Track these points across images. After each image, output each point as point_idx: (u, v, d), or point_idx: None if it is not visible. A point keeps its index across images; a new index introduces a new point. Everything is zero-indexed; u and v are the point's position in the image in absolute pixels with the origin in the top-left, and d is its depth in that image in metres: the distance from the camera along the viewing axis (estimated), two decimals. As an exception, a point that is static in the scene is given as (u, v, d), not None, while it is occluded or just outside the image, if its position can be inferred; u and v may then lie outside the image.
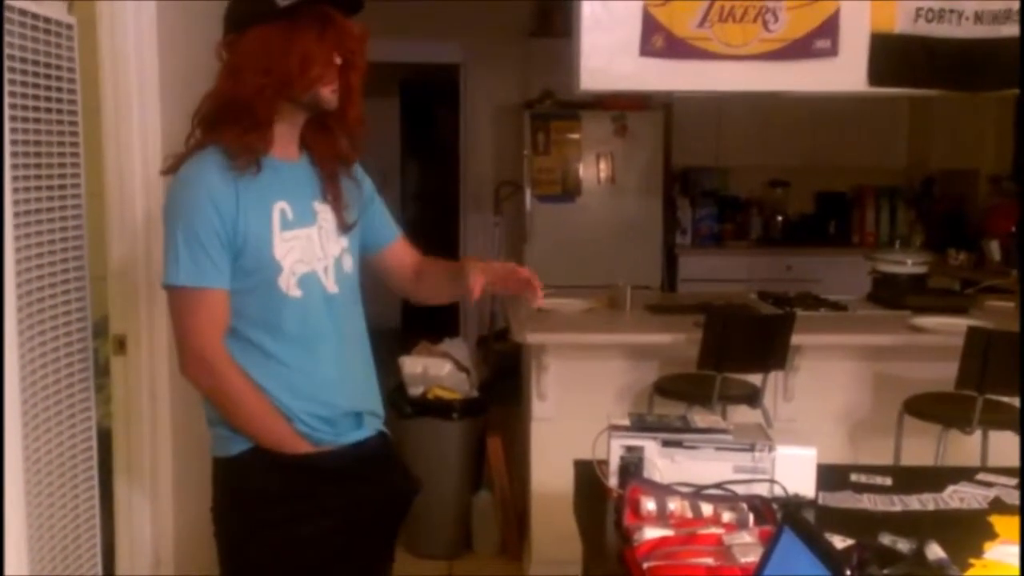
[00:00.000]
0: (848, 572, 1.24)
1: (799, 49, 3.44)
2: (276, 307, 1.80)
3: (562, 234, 5.90)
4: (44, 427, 2.02)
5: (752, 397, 3.37)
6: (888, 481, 2.11)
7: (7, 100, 1.84)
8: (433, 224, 7.51)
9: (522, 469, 3.84)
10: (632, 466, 1.93)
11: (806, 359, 3.56)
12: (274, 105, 1.79)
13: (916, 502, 1.99)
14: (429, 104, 8.43)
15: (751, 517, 1.76)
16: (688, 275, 6.18)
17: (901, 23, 3.47)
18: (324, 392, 1.85)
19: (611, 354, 3.61)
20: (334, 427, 1.86)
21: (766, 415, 3.36)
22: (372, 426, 1.95)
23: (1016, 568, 1.62)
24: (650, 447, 1.94)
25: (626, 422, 2.00)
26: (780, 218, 6.60)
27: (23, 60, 1.92)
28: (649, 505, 1.78)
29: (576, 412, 3.19)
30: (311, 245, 1.84)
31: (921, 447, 3.13)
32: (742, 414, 3.34)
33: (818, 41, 3.44)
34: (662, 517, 1.76)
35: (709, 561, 1.58)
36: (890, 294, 4.01)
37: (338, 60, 1.81)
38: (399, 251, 2.12)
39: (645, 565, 1.58)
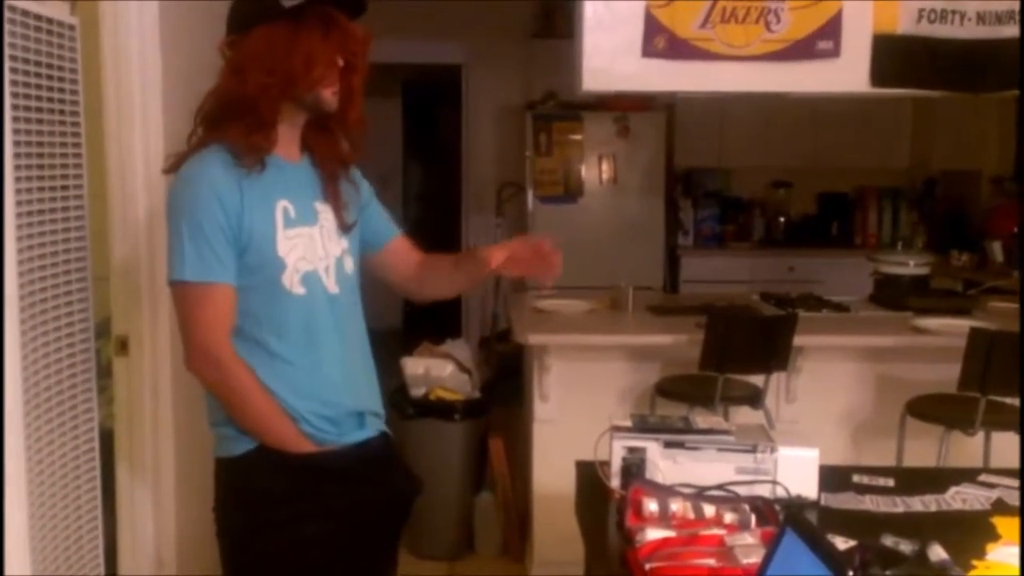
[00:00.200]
0: (850, 573, 1.24)
1: (801, 50, 3.43)
2: (280, 305, 1.80)
3: (564, 235, 5.82)
4: (47, 428, 2.02)
5: (754, 398, 3.37)
6: (890, 482, 2.11)
7: (9, 101, 1.84)
8: (435, 225, 7.51)
9: (524, 470, 3.84)
10: (634, 467, 1.93)
11: (808, 360, 3.56)
12: (278, 105, 1.79)
13: (918, 503, 1.99)
14: (431, 105, 8.43)
15: (753, 518, 1.75)
16: (690, 276, 6.18)
17: (903, 24, 3.47)
18: (328, 391, 1.85)
19: (613, 355, 3.61)
20: (338, 427, 1.86)
21: (768, 416, 3.36)
22: (374, 426, 1.95)
23: (1018, 569, 1.62)
24: (652, 448, 1.93)
25: (628, 423, 2.00)
26: (782, 219, 6.60)
27: (25, 61, 1.92)
28: (651, 506, 1.78)
29: (578, 413, 3.19)
30: (313, 244, 1.84)
31: (923, 448, 3.12)
32: (744, 415, 3.34)
33: (820, 42, 3.44)
34: (664, 518, 1.76)
35: (711, 562, 1.58)
36: (892, 295, 4.01)
37: (341, 62, 1.81)
38: (401, 249, 2.12)
39: (647, 566, 1.58)
